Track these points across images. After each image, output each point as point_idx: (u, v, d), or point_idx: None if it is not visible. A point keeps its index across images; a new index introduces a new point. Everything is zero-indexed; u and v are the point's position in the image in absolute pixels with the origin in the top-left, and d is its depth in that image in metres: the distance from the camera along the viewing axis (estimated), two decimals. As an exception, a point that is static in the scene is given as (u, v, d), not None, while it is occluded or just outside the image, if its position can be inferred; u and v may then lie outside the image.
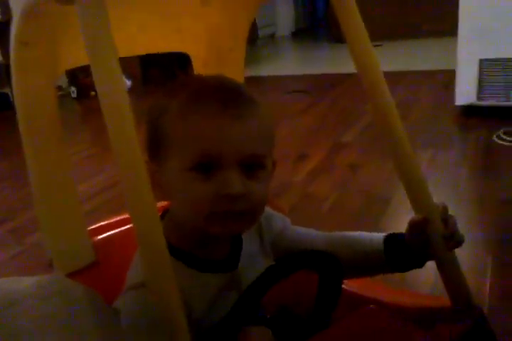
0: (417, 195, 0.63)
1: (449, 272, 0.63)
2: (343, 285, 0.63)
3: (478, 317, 0.62)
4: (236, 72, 0.86)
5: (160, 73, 4.67)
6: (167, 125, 0.56)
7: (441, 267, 0.64)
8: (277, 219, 0.72)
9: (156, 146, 0.57)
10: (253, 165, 0.55)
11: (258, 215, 0.59)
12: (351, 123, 2.87)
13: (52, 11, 0.53)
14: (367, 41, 0.61)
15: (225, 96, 0.55)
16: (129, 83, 4.33)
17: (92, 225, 0.78)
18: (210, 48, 0.83)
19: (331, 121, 3.03)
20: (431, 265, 1.37)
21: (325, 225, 1.75)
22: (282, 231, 0.71)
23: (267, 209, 0.69)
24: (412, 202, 0.64)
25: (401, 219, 1.74)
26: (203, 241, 0.61)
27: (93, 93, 4.30)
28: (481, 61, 2.52)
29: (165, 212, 0.64)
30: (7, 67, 3.31)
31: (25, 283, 0.43)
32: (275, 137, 0.61)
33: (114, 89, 0.44)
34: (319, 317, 0.61)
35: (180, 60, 4.46)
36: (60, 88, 4.22)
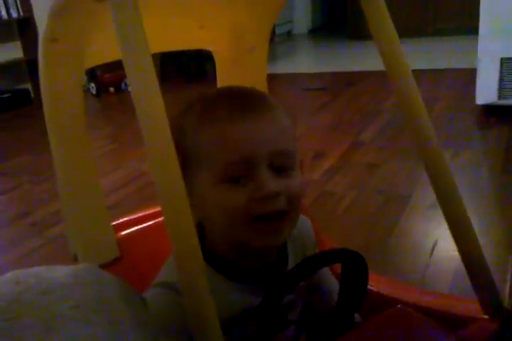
0: (446, 195, 0.62)
1: (478, 273, 0.62)
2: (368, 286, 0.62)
3: (509, 320, 0.61)
4: (258, 71, 0.85)
5: (178, 71, 4.69)
6: (188, 139, 0.55)
7: (468, 267, 0.63)
8: (305, 224, 0.69)
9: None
10: (282, 166, 0.55)
11: (296, 217, 0.57)
12: (369, 122, 2.85)
13: (83, 7, 0.53)
14: (395, 37, 0.60)
15: (240, 100, 0.55)
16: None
17: (114, 220, 0.79)
18: (233, 46, 0.82)
19: (349, 119, 3.01)
20: (450, 264, 1.37)
21: (342, 224, 1.75)
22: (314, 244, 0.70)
23: None
24: (440, 201, 0.63)
25: (420, 219, 1.73)
26: (242, 256, 0.59)
27: (112, 89, 4.35)
28: (503, 60, 2.49)
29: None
30: (28, 63, 3.37)
31: (59, 271, 0.44)
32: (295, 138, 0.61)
33: (147, 85, 0.44)
34: (342, 316, 0.60)
35: (198, 58, 4.48)
36: (79, 84, 4.26)
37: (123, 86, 4.37)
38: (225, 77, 0.85)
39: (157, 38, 0.76)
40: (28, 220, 2.05)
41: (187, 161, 0.55)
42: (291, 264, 0.63)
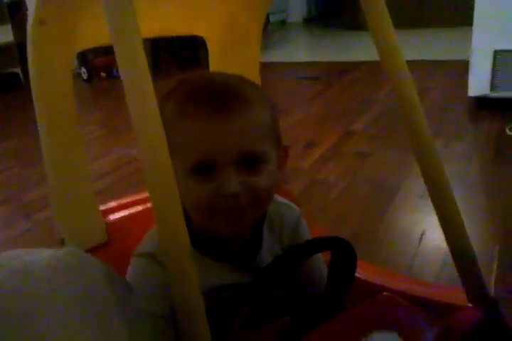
0: (436, 185, 0.62)
1: (465, 263, 0.63)
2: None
3: (493, 308, 0.62)
4: (251, 59, 0.85)
5: (171, 58, 4.63)
6: (165, 128, 0.56)
7: (456, 257, 0.63)
8: (288, 211, 0.71)
9: None
10: (253, 161, 0.57)
11: (261, 208, 0.61)
12: (361, 112, 2.84)
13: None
14: (390, 28, 0.60)
15: (214, 97, 0.55)
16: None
17: (102, 205, 0.78)
18: (227, 34, 0.82)
19: (341, 108, 3.00)
20: (437, 254, 1.38)
21: (332, 212, 1.75)
22: (296, 228, 0.71)
23: (277, 198, 0.70)
24: (430, 191, 0.63)
25: (408, 208, 1.74)
26: (217, 241, 0.63)
27: (103, 74, 4.30)
28: (496, 52, 2.49)
29: None
30: (19, 46, 3.30)
31: (42, 254, 0.43)
32: (278, 127, 0.62)
33: (137, 70, 0.44)
34: (331, 300, 0.61)
35: (191, 45, 4.43)
36: (70, 69, 4.21)
37: (115, 72, 4.32)
38: (218, 65, 0.84)
39: (149, 23, 0.75)
40: (16, 203, 2.04)
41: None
42: (265, 245, 0.66)
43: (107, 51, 4.40)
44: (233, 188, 0.55)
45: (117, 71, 4.27)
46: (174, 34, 0.84)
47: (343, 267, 0.62)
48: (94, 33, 0.64)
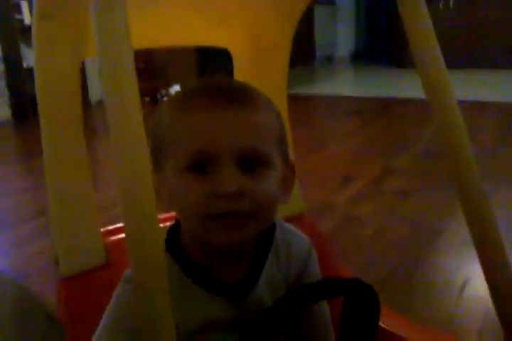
0: (483, 235, 0.55)
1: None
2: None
3: None
4: (278, 73, 0.79)
5: (216, 68, 4.62)
6: (162, 128, 0.53)
7: (502, 315, 0.54)
8: (297, 241, 0.62)
9: (156, 154, 0.54)
10: (254, 163, 0.50)
11: (263, 219, 0.53)
12: (403, 149, 2.75)
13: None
14: (441, 66, 0.54)
15: (219, 93, 0.52)
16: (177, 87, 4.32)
17: (102, 228, 0.72)
18: (252, 45, 0.76)
19: (382, 144, 2.92)
20: (480, 304, 1.24)
21: (365, 252, 1.63)
22: (306, 262, 0.62)
23: (287, 226, 0.62)
24: (476, 241, 0.54)
25: (450, 254, 1.60)
26: (213, 257, 0.55)
27: (147, 99, 4.35)
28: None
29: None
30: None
31: None
32: (286, 141, 0.57)
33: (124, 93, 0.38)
34: None
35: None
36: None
37: (159, 97, 4.37)
38: (243, 77, 0.78)
39: (171, 32, 0.71)
40: (45, 219, 2.00)
41: (159, 148, 0.53)
42: (266, 273, 0.57)
43: (151, 76, 4.48)
44: (233, 185, 0.48)
45: (161, 95, 4.33)
46: (196, 45, 0.80)
47: (361, 317, 0.52)
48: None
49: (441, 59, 0.55)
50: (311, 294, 0.50)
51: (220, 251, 0.54)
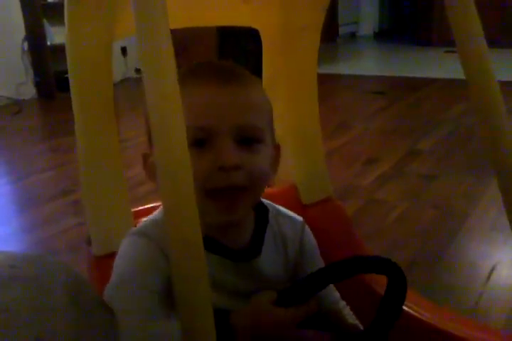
0: None
1: None
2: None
3: None
4: (309, 53, 0.77)
5: (236, 49, 4.57)
6: None
7: None
8: (288, 222, 0.66)
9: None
10: (251, 139, 0.54)
11: (256, 194, 0.57)
12: (429, 131, 2.69)
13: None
14: (481, 42, 0.53)
15: (217, 72, 0.55)
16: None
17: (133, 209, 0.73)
18: (282, 24, 0.74)
19: (407, 126, 2.86)
20: (508, 292, 1.22)
21: (389, 236, 1.61)
22: (302, 240, 0.66)
23: (279, 207, 0.66)
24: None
25: (478, 239, 1.57)
26: (216, 229, 0.58)
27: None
28: None
29: None
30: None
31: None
32: (273, 124, 0.59)
33: (161, 71, 0.37)
34: (375, 333, 0.55)
35: (256, 37, 4.33)
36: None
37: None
38: (272, 58, 0.77)
39: (197, 12, 0.69)
40: (70, 198, 2.02)
41: None
42: (266, 251, 0.61)
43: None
44: (231, 159, 0.51)
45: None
46: (224, 24, 0.80)
47: (390, 297, 0.55)
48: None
49: (482, 37, 0.53)
50: (346, 269, 0.53)
51: (218, 225, 0.57)
